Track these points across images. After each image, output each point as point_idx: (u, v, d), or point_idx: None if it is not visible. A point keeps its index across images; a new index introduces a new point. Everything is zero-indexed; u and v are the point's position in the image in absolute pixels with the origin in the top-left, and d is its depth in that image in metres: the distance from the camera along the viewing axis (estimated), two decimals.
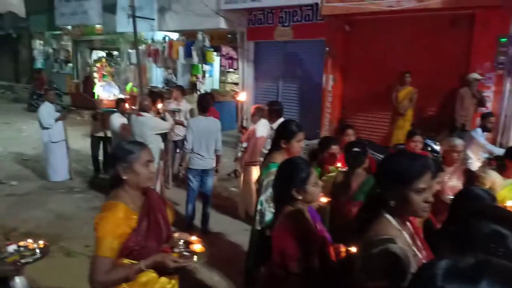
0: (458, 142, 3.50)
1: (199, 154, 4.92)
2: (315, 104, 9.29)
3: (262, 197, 2.72)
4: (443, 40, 7.41)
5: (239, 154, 5.83)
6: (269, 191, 2.65)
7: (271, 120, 4.98)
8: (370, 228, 1.42)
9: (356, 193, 2.66)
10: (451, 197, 2.51)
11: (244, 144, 5.45)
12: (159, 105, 6.09)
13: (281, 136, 2.82)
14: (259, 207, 2.75)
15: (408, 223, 1.49)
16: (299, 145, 2.79)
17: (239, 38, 10.57)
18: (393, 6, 7.26)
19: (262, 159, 4.94)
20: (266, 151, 4.82)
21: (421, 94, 7.20)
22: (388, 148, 5.86)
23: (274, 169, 2.64)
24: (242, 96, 6.66)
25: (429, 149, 5.48)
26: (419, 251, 1.43)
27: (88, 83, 8.76)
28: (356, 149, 2.75)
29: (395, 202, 1.43)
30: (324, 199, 2.57)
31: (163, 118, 5.87)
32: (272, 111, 4.95)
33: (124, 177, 1.93)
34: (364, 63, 8.60)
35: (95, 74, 7.29)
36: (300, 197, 1.99)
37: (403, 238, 1.40)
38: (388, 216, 1.44)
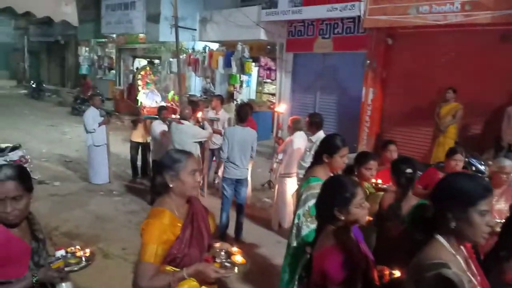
0: (508, 163, 3.34)
1: (234, 164, 4.96)
2: (353, 118, 9.20)
3: (300, 211, 2.68)
4: (491, 55, 7.12)
5: (274, 166, 5.84)
6: (307, 205, 2.62)
7: (311, 132, 4.96)
8: (422, 251, 1.37)
9: (407, 217, 2.53)
10: (499, 220, 2.44)
11: (280, 156, 5.45)
12: (199, 114, 6.22)
13: (324, 150, 2.78)
14: (296, 220, 2.72)
15: (462, 247, 1.45)
16: (342, 161, 2.75)
17: (278, 49, 10.66)
18: (439, 20, 7.08)
19: (299, 171, 5.02)
20: (304, 164, 4.87)
21: (466, 111, 6.94)
22: (428, 166, 5.65)
23: (314, 183, 2.63)
24: (282, 107, 6.68)
25: (474, 168, 5.23)
26: (473, 277, 1.39)
27: (132, 90, 9.13)
28: (409, 170, 2.63)
29: (456, 224, 1.39)
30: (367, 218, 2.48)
31: (202, 127, 5.98)
32: (312, 123, 4.93)
33: (171, 185, 1.97)
34: (405, 77, 8.41)
35: (139, 82, 7.57)
36: (342, 218, 1.92)
37: (457, 262, 1.36)
38: (442, 240, 1.40)
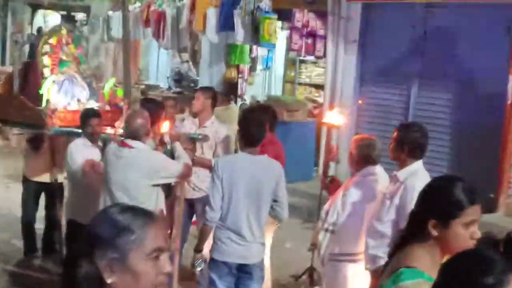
0: None
1: (235, 232, 5.07)
2: (487, 136, 9.24)
3: None
4: None
5: (321, 237, 5.80)
6: None
7: (398, 161, 4.95)
8: None
9: None
10: None
11: (333, 216, 5.42)
12: (164, 126, 6.26)
13: (430, 212, 2.81)
14: None
15: None
16: (469, 233, 2.75)
17: None
18: None
19: (370, 243, 4.96)
20: (380, 227, 4.75)
21: None
22: None
23: (408, 283, 2.64)
24: (335, 116, 6.68)
25: None
26: None
27: (31, 75, 9.10)
28: None
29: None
30: None
31: (171, 153, 6.01)
32: (403, 143, 4.89)
33: (109, 281, 2.00)
34: None
35: (45, 59, 7.59)
36: None
37: None
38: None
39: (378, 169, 5.33)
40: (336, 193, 5.47)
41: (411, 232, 2.92)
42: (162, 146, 6.14)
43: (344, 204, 5.27)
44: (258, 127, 5.14)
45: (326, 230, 5.51)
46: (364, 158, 5.27)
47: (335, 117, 6.61)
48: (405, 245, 2.88)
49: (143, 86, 14.20)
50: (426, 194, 2.98)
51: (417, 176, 4.72)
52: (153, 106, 6.67)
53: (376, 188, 5.19)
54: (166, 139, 6.18)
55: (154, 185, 5.60)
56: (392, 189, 4.89)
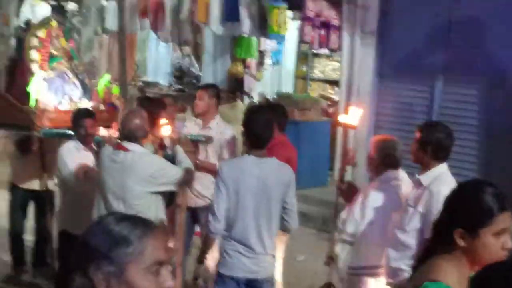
0: None
1: (243, 244, 5.09)
2: None
3: None
4: None
5: (338, 249, 5.81)
6: None
7: (421, 164, 4.96)
8: None
9: None
10: None
11: (350, 226, 5.43)
12: (164, 129, 6.26)
13: (456, 220, 2.83)
14: None
15: None
16: (500, 243, 2.76)
17: None
18: None
19: (392, 255, 4.95)
20: (402, 236, 4.77)
21: None
22: None
23: None
24: (352, 115, 6.67)
25: None
26: None
27: (18, 71, 9.09)
28: None
29: None
30: None
31: (171, 158, 6.02)
32: (426, 144, 4.91)
33: None
34: None
35: (34, 53, 7.55)
36: None
37: None
38: None
39: (400, 173, 5.35)
40: (354, 200, 5.48)
41: (436, 243, 2.92)
42: (162, 149, 6.16)
43: (363, 212, 5.28)
44: (264, 126, 5.14)
45: (344, 241, 5.51)
46: (384, 161, 5.30)
47: (352, 117, 6.60)
48: (429, 257, 2.88)
49: (140, 83, 14.22)
50: (452, 200, 2.98)
51: (442, 180, 4.73)
52: (152, 106, 6.68)
53: (398, 194, 5.21)
54: (167, 142, 6.19)
55: (153, 193, 5.61)
56: (415, 195, 4.90)
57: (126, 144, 5.56)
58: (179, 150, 6.06)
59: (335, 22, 11.02)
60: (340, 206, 6.08)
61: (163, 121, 6.36)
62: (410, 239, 4.77)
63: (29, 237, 7.76)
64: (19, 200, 7.63)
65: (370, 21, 10.72)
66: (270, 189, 5.05)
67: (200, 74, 13.94)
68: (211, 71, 13.10)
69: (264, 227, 5.06)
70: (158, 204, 5.69)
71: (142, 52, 15.77)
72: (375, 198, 5.25)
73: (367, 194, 5.32)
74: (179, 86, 14.08)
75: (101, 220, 2.18)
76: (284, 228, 5.32)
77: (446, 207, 2.96)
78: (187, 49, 14.13)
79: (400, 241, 4.85)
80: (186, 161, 5.96)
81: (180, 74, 14.28)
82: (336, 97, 12.32)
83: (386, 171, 5.29)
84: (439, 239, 2.90)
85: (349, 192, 5.79)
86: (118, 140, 5.80)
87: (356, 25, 10.78)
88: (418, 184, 4.92)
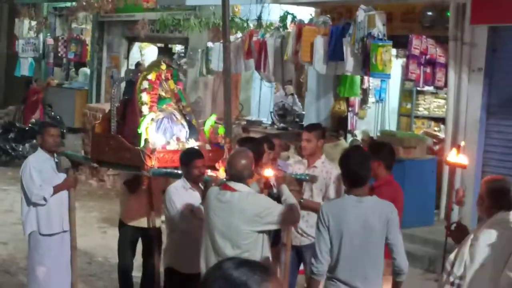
0: None
1: (346, 284, 5.05)
2: None
3: None
4: None
5: None
6: None
7: None
8: None
9: None
10: None
11: (459, 269, 5.27)
12: (268, 171, 6.20)
13: None
14: None
15: None
16: None
17: (452, 18, 10.72)
18: None
19: None
20: None
21: None
22: None
23: None
24: (461, 155, 6.53)
25: None
26: None
27: (129, 113, 9.26)
28: None
29: None
30: None
31: (276, 197, 6.01)
32: None
33: None
34: None
35: (144, 96, 7.65)
36: None
37: None
38: None
39: None
40: (463, 241, 5.34)
41: None
42: (268, 188, 6.16)
43: (473, 254, 5.13)
44: (360, 164, 5.13)
45: (452, 284, 5.37)
46: (496, 202, 5.14)
47: (462, 155, 6.47)
48: None
49: (244, 122, 14.34)
50: None
51: None
52: (253, 146, 6.70)
53: (510, 237, 5.03)
54: (272, 181, 6.19)
55: (260, 232, 5.61)
56: None
57: (233, 184, 5.61)
58: (285, 189, 6.04)
59: (441, 59, 10.88)
60: (449, 247, 5.96)
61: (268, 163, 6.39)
62: None
63: (137, 274, 7.88)
64: (128, 237, 7.76)
65: (477, 58, 10.55)
66: (371, 227, 5.02)
67: (303, 112, 13.95)
68: (314, 109, 13.07)
69: (369, 267, 5.03)
70: (264, 243, 5.67)
71: (246, 92, 15.97)
72: (486, 241, 5.10)
73: (478, 236, 5.19)
74: (282, 125, 14.11)
75: (221, 264, 2.18)
76: (394, 270, 5.20)
77: None
78: (290, 88, 14.19)
79: None
80: (291, 200, 5.94)
81: (283, 112, 14.32)
82: (441, 135, 12.10)
83: (498, 212, 5.14)
84: None
85: (458, 233, 5.65)
86: (225, 180, 5.86)
87: (462, 62, 10.62)
88: None
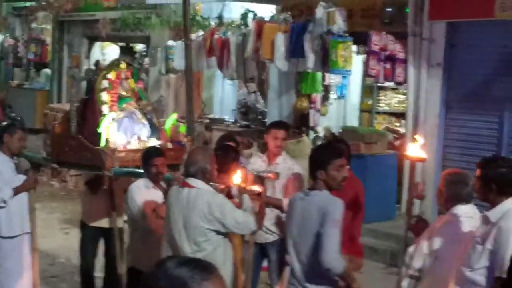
0: None
1: (293, 276, 5.17)
2: None
3: None
4: None
5: (405, 284, 5.70)
6: None
7: (488, 200, 4.86)
8: None
9: None
10: None
11: (418, 262, 5.33)
12: (236, 177, 6.06)
13: None
14: None
15: None
16: None
17: (410, 14, 10.78)
18: None
19: None
20: (469, 274, 4.67)
21: None
22: None
23: None
24: (418, 148, 6.58)
25: None
26: None
27: (89, 113, 9.22)
28: None
29: None
30: None
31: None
32: (493, 179, 4.79)
33: None
34: None
35: (104, 95, 7.57)
36: None
37: None
38: None
39: (471, 208, 5.22)
40: (423, 235, 5.39)
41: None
42: (229, 189, 6.13)
43: (432, 247, 5.18)
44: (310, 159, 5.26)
45: (411, 276, 5.42)
46: (455, 196, 5.18)
47: (420, 150, 6.51)
48: None
49: (207, 120, 14.32)
50: None
51: (511, 216, 4.61)
52: (226, 153, 6.65)
53: (467, 230, 5.07)
54: (234, 191, 6.13)
55: (217, 233, 5.56)
56: (483, 231, 4.78)
57: (190, 180, 5.59)
58: (246, 200, 5.93)
59: (401, 55, 10.96)
60: (409, 240, 6.00)
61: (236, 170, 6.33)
62: (479, 277, 4.66)
63: (99, 274, 7.86)
64: (90, 238, 7.72)
65: (436, 54, 10.65)
66: (308, 218, 5.08)
67: (265, 110, 13.95)
68: (276, 106, 13.08)
69: (305, 260, 5.08)
70: (226, 246, 5.66)
71: (208, 90, 15.93)
72: (444, 234, 5.15)
73: (436, 229, 5.23)
74: (245, 122, 14.11)
75: (162, 263, 2.18)
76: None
77: None
78: (253, 86, 14.19)
79: (468, 279, 4.76)
80: (250, 211, 5.80)
81: (246, 110, 14.32)
82: (402, 130, 12.19)
83: (456, 205, 5.18)
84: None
85: (418, 226, 5.69)
86: (183, 177, 5.84)
87: (422, 58, 10.71)
88: (486, 221, 4.79)
